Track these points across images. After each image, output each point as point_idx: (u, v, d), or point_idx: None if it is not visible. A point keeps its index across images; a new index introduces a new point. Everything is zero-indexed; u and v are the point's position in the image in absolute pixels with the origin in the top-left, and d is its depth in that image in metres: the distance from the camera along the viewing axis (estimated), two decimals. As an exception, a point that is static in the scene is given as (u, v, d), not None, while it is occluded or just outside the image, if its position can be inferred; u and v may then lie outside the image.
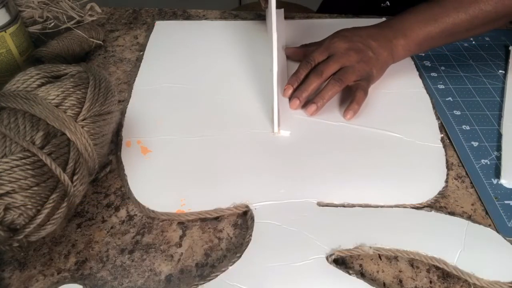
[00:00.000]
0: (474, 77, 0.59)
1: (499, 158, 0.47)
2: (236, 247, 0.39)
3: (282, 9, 0.69)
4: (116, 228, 0.40)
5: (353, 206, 0.42)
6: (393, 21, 0.56)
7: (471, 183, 0.45)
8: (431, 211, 0.41)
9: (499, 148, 0.48)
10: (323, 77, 0.52)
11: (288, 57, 0.61)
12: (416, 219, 0.41)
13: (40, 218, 0.33)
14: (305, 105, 0.52)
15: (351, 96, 0.52)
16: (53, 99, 0.37)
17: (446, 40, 0.56)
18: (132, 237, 0.39)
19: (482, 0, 0.51)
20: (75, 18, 0.63)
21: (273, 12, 0.46)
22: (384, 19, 0.70)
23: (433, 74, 0.59)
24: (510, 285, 0.35)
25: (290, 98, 0.53)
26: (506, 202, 0.43)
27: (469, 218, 0.41)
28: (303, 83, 0.52)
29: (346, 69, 0.52)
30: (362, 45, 0.53)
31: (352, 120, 0.51)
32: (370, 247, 0.38)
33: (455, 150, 0.48)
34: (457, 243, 0.38)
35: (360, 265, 0.38)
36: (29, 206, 0.33)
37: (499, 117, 0.52)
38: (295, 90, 0.53)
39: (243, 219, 0.41)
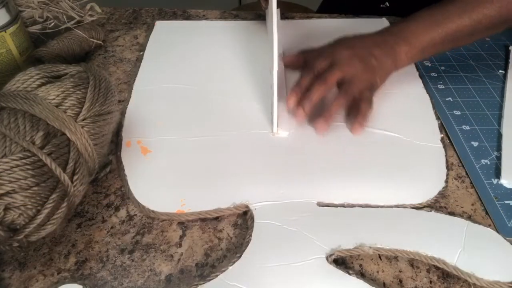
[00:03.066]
0: (474, 77, 0.59)
1: (499, 158, 0.47)
2: (236, 247, 0.39)
3: (278, 9, 0.69)
4: (116, 228, 0.40)
5: (353, 206, 0.42)
6: (396, 27, 0.54)
7: (471, 183, 0.45)
8: (431, 211, 0.41)
9: (499, 148, 0.48)
10: (328, 85, 0.49)
11: (287, 66, 0.58)
12: (416, 219, 0.41)
13: (40, 218, 0.33)
14: (311, 120, 0.49)
15: (357, 109, 0.49)
16: (53, 99, 0.37)
17: (449, 46, 0.55)
18: (132, 237, 0.39)
19: (486, 5, 0.50)
20: (75, 18, 0.63)
21: (274, 13, 0.46)
22: (383, 19, 0.70)
23: (433, 74, 0.59)
24: (510, 285, 0.35)
25: (293, 107, 0.50)
26: (506, 202, 0.43)
27: (469, 218, 0.41)
28: (307, 92, 0.49)
29: (350, 80, 0.50)
30: (365, 53, 0.52)
31: (352, 120, 0.51)
32: (370, 247, 0.38)
33: (455, 150, 0.48)
34: (457, 243, 0.38)
35: (360, 265, 0.38)
36: (29, 206, 0.33)
37: (499, 117, 0.52)
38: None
39: (243, 219, 0.41)
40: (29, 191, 0.33)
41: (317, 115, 0.48)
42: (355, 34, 0.55)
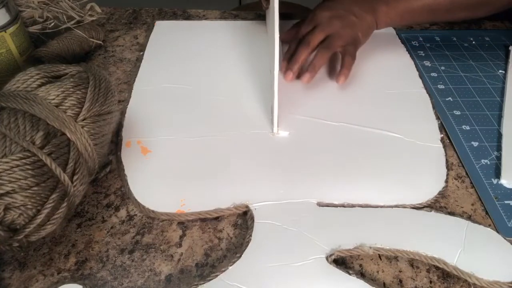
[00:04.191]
0: (474, 77, 0.59)
1: (499, 158, 0.47)
2: (236, 247, 0.39)
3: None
4: (116, 228, 0.40)
5: (353, 206, 0.42)
6: None
7: (471, 183, 0.45)
8: (431, 211, 0.41)
9: (499, 148, 0.48)
10: (310, 46, 0.55)
11: (284, 41, 0.62)
12: (416, 219, 0.41)
13: (40, 218, 0.33)
14: (299, 76, 0.55)
15: (341, 62, 0.55)
16: (53, 99, 0.37)
17: (427, 17, 0.59)
18: (132, 237, 0.39)
19: None
20: (75, 18, 0.63)
21: (276, 12, 0.46)
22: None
23: (433, 74, 0.59)
24: (510, 285, 0.35)
25: (284, 72, 0.55)
26: (506, 202, 0.43)
27: (469, 218, 0.41)
28: (293, 56, 0.55)
29: (331, 36, 0.55)
30: (344, 11, 0.56)
31: (352, 120, 0.51)
32: (370, 247, 0.38)
33: (455, 150, 0.48)
34: (457, 243, 0.38)
35: (360, 265, 0.38)
36: (29, 206, 0.33)
37: (499, 117, 0.52)
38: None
39: (243, 219, 0.41)
40: (29, 191, 0.33)
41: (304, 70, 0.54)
42: None
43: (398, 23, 0.62)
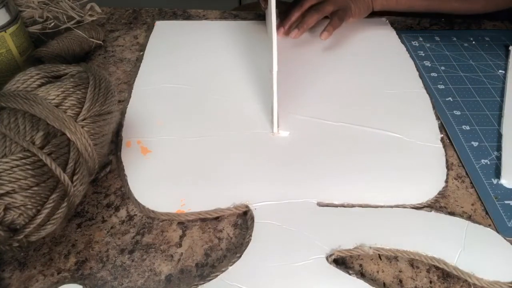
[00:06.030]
0: (474, 77, 0.59)
1: (499, 158, 0.47)
2: (236, 247, 0.39)
3: (277, 10, 0.69)
4: (116, 228, 0.40)
5: (353, 206, 0.42)
6: None
7: (471, 183, 0.45)
8: (431, 211, 0.41)
9: (499, 148, 0.48)
10: (303, 7, 0.61)
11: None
12: (416, 219, 0.41)
13: (40, 218, 0.33)
14: (288, 33, 0.61)
15: (328, 22, 0.60)
16: (53, 99, 0.37)
17: (422, 4, 0.63)
18: (132, 237, 0.39)
19: None
20: (75, 18, 0.63)
21: (273, 13, 0.46)
22: (383, 19, 0.70)
23: (433, 74, 0.59)
24: (510, 285, 0.35)
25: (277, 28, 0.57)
26: (506, 202, 0.43)
27: (469, 218, 0.41)
28: (287, 15, 0.62)
29: (325, 1, 0.61)
30: None
31: (352, 120, 0.51)
32: (370, 247, 0.38)
33: (455, 150, 0.48)
34: (457, 243, 0.38)
35: (360, 265, 0.38)
36: (29, 206, 0.33)
37: (499, 117, 0.52)
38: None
39: (243, 219, 0.41)
40: (29, 191, 0.33)
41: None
42: None
43: (394, 7, 0.65)
